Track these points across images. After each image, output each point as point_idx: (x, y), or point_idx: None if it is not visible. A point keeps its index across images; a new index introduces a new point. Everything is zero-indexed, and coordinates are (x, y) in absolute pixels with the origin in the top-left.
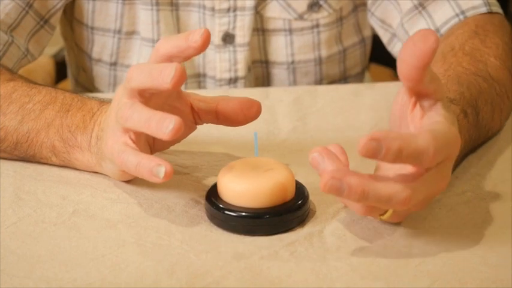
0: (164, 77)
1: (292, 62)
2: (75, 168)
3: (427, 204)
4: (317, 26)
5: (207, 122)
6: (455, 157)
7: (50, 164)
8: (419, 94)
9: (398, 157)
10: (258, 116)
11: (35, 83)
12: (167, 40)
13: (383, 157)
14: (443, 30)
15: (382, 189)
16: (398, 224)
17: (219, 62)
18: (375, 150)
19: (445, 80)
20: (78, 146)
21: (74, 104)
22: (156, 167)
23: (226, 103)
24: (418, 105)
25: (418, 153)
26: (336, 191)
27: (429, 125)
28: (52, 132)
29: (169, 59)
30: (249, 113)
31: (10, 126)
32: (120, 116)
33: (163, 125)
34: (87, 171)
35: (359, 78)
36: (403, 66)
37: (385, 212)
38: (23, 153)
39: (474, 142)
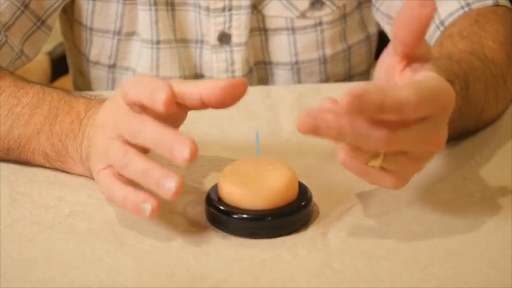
0: (156, 99)
1: (296, 62)
2: None
3: (424, 162)
4: (320, 24)
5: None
6: (450, 110)
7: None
8: (410, 57)
9: (380, 110)
10: (245, 93)
11: (24, 81)
12: (135, 87)
13: (365, 111)
14: (447, 23)
15: (361, 127)
16: (403, 226)
17: (216, 63)
18: (358, 107)
19: (435, 59)
20: (71, 158)
21: (61, 107)
22: (142, 203)
23: (210, 92)
24: (407, 68)
25: (399, 103)
26: (312, 128)
27: (417, 79)
28: (43, 139)
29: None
30: (234, 94)
31: (1, 131)
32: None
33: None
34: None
35: (365, 76)
36: (400, 32)
37: (375, 156)
38: (17, 159)
39: (466, 117)
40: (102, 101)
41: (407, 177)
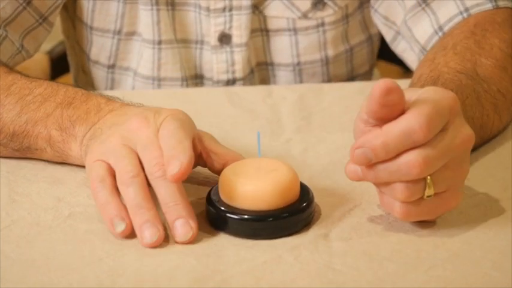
0: (169, 169)
1: (298, 63)
2: (68, 163)
3: (467, 163)
4: (322, 24)
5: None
6: (458, 110)
7: (44, 161)
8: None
9: (390, 150)
10: None
11: (35, 77)
12: (166, 139)
13: (375, 158)
14: (446, 28)
15: (389, 164)
16: (406, 227)
17: (216, 63)
18: (365, 157)
19: (423, 82)
20: (74, 136)
21: (78, 98)
22: (117, 218)
23: None
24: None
25: (405, 135)
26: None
27: (410, 105)
28: (51, 122)
29: None
30: None
31: (7, 117)
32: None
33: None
34: (79, 165)
35: (367, 76)
36: (377, 113)
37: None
38: (18, 145)
39: None
40: (125, 103)
41: (461, 186)
